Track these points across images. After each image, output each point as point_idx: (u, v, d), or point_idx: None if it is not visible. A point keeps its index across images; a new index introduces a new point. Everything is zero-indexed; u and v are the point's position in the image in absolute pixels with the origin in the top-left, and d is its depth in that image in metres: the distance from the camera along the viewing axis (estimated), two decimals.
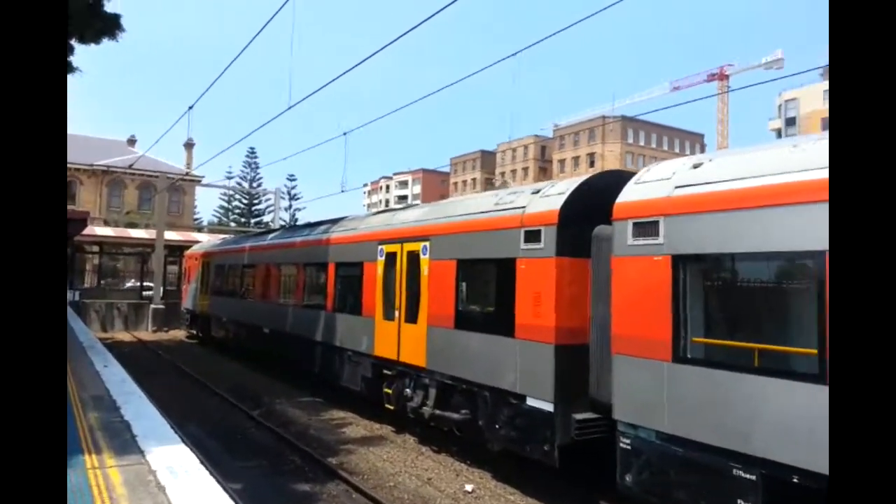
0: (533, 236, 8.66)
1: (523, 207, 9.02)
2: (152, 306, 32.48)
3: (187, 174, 48.78)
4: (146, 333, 31.13)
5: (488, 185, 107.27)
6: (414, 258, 11.54)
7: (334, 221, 16.32)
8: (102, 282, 36.42)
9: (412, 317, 11.45)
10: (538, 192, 9.18)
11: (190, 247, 32.10)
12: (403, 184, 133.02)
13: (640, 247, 7.05)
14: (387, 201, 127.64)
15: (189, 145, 64.68)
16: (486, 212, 9.84)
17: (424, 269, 11.17)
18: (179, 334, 30.88)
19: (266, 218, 75.99)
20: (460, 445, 10.95)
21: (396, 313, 11.97)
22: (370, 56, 10.91)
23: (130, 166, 29.83)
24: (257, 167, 78.28)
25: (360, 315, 13.33)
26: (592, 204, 8.52)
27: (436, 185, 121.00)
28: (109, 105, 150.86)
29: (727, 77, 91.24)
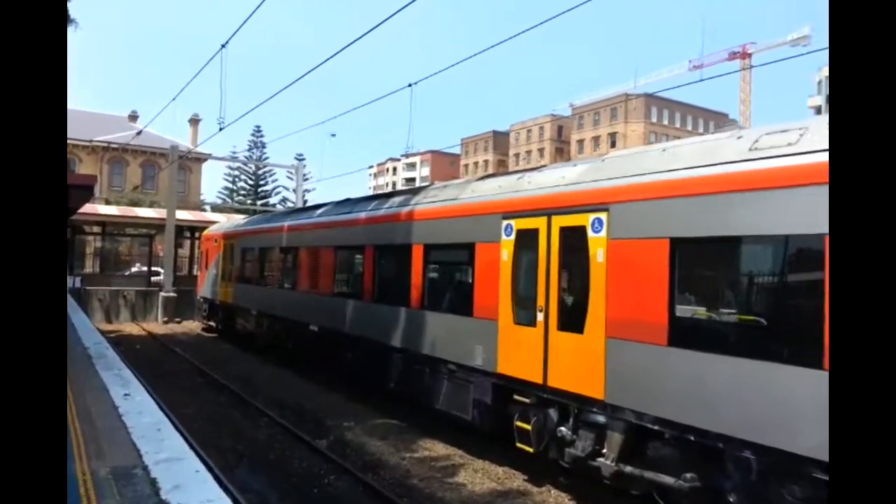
0: None
1: None
2: (162, 294, 28.87)
3: (190, 151, 44.88)
4: (156, 325, 27.55)
5: (501, 166, 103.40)
6: (575, 237, 7.90)
7: (414, 191, 12.66)
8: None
9: (572, 323, 7.85)
10: None
11: (204, 228, 28.44)
12: (411, 166, 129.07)
13: None
14: (394, 184, 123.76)
15: (195, 121, 60.91)
16: (737, 162, 6.18)
17: (597, 254, 7.53)
18: (194, 326, 27.33)
19: (273, 199, 72.21)
20: None
21: (539, 316, 8.35)
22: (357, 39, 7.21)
23: (139, 133, 26.03)
24: (263, 146, 74.09)
25: (469, 316, 9.72)
26: None
27: (445, 166, 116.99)
28: (111, 82, 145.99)
29: (749, 55, 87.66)
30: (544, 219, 8.39)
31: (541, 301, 8.36)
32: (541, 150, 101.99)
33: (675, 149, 7.22)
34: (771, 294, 5.89)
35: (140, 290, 29.42)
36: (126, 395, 7.78)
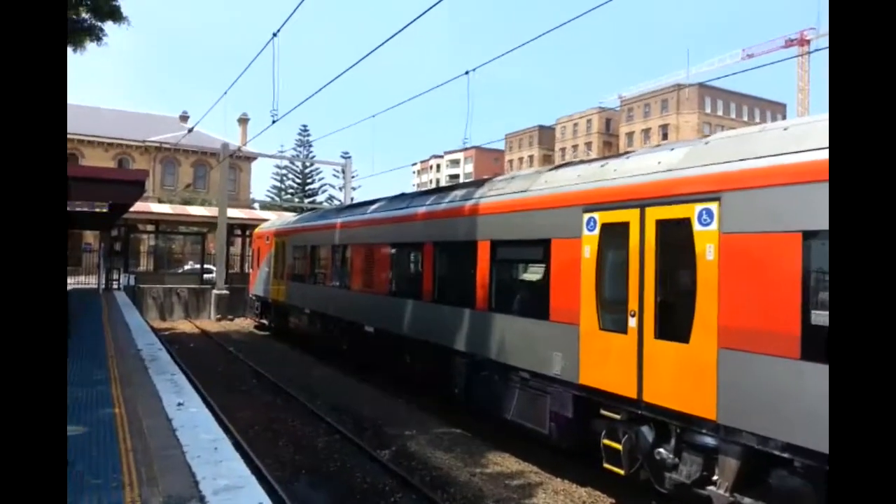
0: None
1: None
2: (215, 292, 28.96)
3: (240, 149, 45.15)
4: (209, 323, 27.60)
5: (546, 161, 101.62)
6: (676, 231, 6.91)
7: (478, 184, 11.83)
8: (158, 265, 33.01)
9: (674, 330, 6.86)
10: None
11: (256, 225, 28.33)
12: (455, 162, 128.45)
13: None
14: (437, 181, 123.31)
15: (244, 120, 61.66)
16: None
17: (706, 250, 6.53)
18: (246, 323, 27.25)
19: (320, 197, 72.76)
20: None
21: (631, 321, 7.39)
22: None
23: (190, 130, 26.03)
24: (310, 145, 74.67)
25: (545, 319, 8.82)
26: None
27: (489, 163, 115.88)
28: (161, 87, 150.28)
29: (808, 42, 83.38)
30: (636, 211, 7.42)
31: (633, 304, 7.39)
32: (588, 144, 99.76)
33: (801, 127, 6.14)
34: None
35: (193, 287, 29.56)
36: (180, 404, 7.20)
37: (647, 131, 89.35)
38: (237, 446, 7.08)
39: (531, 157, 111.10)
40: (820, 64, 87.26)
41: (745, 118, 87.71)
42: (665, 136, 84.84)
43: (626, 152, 9.15)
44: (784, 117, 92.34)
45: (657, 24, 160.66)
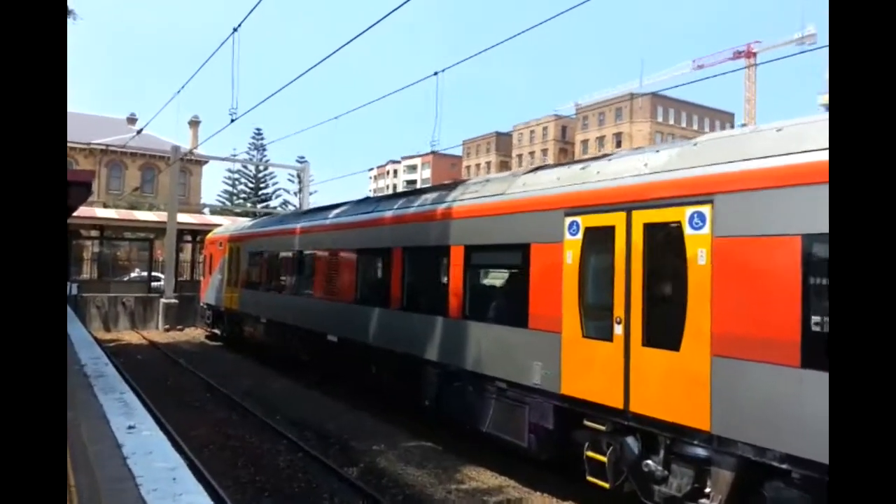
0: None
1: None
2: (163, 301, 27.55)
3: (191, 152, 43.56)
4: (157, 333, 26.22)
5: (503, 167, 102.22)
6: (666, 235, 6.66)
7: (449, 187, 11.39)
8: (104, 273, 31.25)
9: (664, 337, 6.59)
10: None
11: (206, 231, 27.18)
12: (412, 168, 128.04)
13: None
14: (395, 187, 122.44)
15: (195, 123, 59.60)
16: None
17: (697, 255, 6.28)
18: (197, 333, 26.03)
19: (274, 203, 70.94)
20: None
21: (617, 329, 7.09)
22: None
23: (139, 131, 24.74)
24: (264, 149, 72.74)
25: (523, 327, 8.45)
26: None
27: (446, 168, 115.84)
28: (109, 86, 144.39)
29: (754, 54, 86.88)
30: (622, 214, 7.13)
31: (618, 311, 7.09)
32: (544, 151, 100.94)
33: (798, 127, 5.96)
34: None
35: (140, 296, 28.10)
36: (131, 427, 6.48)
37: (601, 139, 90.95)
38: (192, 467, 6.43)
39: (488, 163, 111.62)
40: (765, 75, 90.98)
41: (696, 127, 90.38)
42: (619, 144, 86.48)
43: (606, 154, 8.90)
44: (732, 126, 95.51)
45: (613, 34, 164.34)
